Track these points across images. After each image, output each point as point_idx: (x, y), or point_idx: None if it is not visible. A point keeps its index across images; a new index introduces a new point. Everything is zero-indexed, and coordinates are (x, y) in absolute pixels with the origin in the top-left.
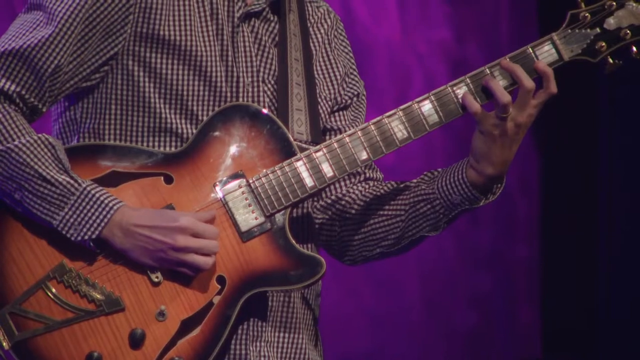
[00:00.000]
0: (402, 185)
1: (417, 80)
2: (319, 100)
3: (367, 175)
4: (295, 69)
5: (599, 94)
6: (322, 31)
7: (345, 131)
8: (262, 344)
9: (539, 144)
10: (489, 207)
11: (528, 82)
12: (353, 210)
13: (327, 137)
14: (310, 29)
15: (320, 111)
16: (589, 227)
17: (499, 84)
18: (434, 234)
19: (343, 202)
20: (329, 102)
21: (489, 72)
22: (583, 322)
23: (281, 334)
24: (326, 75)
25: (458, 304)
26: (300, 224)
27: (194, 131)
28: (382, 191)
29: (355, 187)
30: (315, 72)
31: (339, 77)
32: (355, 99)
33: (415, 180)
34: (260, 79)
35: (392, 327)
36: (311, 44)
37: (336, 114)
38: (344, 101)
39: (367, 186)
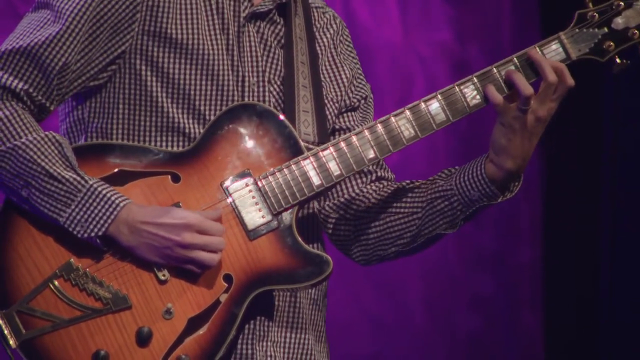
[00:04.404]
0: (417, 184)
1: (419, 82)
2: (326, 102)
3: (379, 174)
4: (302, 71)
5: (603, 95)
6: (328, 36)
7: (354, 130)
8: (269, 343)
9: (541, 146)
10: (491, 210)
11: (552, 76)
12: (368, 210)
13: (336, 138)
14: (316, 33)
15: (327, 113)
16: (591, 230)
17: (522, 77)
18: (451, 232)
19: (357, 202)
20: (336, 105)
21: (496, 71)
22: (585, 326)
23: (287, 334)
24: (332, 79)
25: (460, 307)
26: (306, 223)
27: (201, 130)
28: (397, 190)
29: (368, 186)
30: (321, 75)
31: (345, 80)
32: (363, 101)
33: (431, 178)
34: (267, 79)
35: (394, 330)
36: (317, 48)
37: (345, 114)
38: (352, 103)
39: (380, 185)
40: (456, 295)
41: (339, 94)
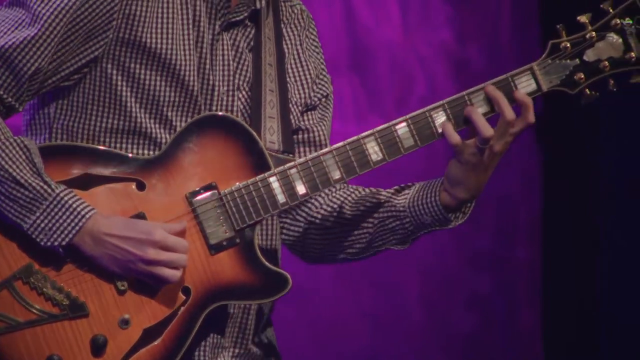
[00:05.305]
0: (371, 196)
1: (419, 82)
2: (290, 105)
3: None
4: (269, 74)
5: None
6: (295, 32)
7: (312, 131)
8: (220, 350)
9: (540, 146)
10: (489, 209)
11: (509, 113)
12: (320, 215)
13: (295, 137)
14: (284, 29)
15: (291, 117)
16: (590, 230)
17: (482, 116)
18: (400, 248)
19: (309, 205)
20: (300, 108)
21: (467, 99)
22: (584, 325)
23: (238, 341)
24: (297, 79)
25: (458, 307)
26: (264, 230)
27: (168, 136)
28: (349, 199)
29: None
30: (286, 76)
31: (309, 80)
32: (324, 99)
33: (385, 194)
34: (235, 86)
35: (391, 330)
36: (284, 46)
37: (305, 114)
38: (313, 102)
39: (333, 189)
40: (454, 294)
41: (303, 96)
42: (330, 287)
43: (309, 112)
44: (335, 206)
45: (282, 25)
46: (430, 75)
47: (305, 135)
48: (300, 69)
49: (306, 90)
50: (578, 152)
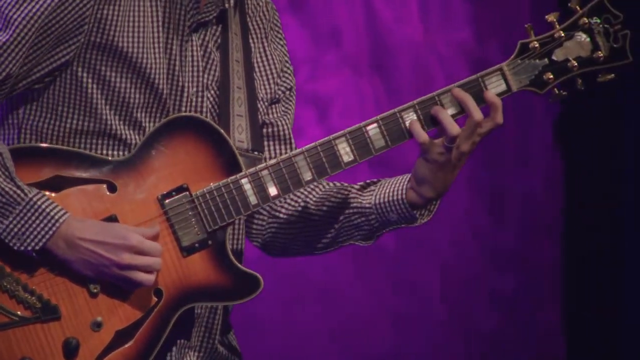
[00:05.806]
0: (336, 192)
1: (438, 81)
2: (257, 102)
3: None
4: (237, 71)
5: (625, 93)
6: (261, 25)
7: (277, 124)
8: (187, 350)
9: (563, 144)
10: (513, 208)
11: (477, 114)
12: (283, 210)
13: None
14: (250, 23)
15: (258, 113)
16: (614, 228)
17: (448, 115)
18: (364, 244)
19: None
20: (266, 103)
21: (437, 99)
22: (607, 324)
23: (205, 341)
24: (263, 74)
25: (480, 305)
26: (231, 231)
27: (138, 138)
28: (314, 194)
29: None
30: (253, 72)
31: (275, 75)
32: (288, 92)
33: (350, 189)
34: (204, 86)
35: (413, 328)
36: (250, 40)
37: (269, 107)
38: (277, 95)
39: None
40: (476, 293)
41: (269, 91)
42: (351, 287)
43: (273, 106)
44: (300, 201)
45: (248, 19)
46: (450, 74)
47: (270, 130)
48: (266, 63)
49: (272, 85)
50: (602, 148)
